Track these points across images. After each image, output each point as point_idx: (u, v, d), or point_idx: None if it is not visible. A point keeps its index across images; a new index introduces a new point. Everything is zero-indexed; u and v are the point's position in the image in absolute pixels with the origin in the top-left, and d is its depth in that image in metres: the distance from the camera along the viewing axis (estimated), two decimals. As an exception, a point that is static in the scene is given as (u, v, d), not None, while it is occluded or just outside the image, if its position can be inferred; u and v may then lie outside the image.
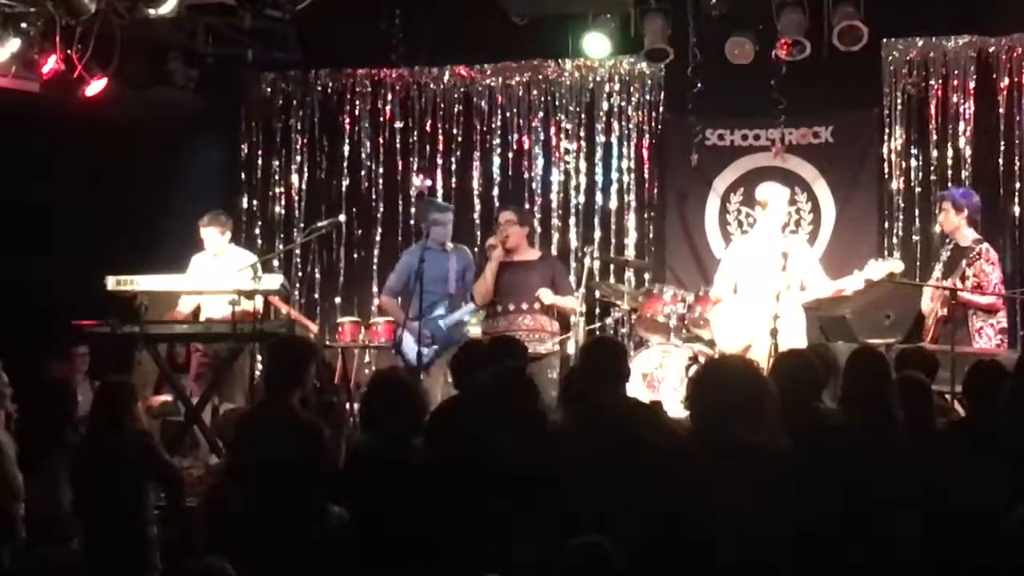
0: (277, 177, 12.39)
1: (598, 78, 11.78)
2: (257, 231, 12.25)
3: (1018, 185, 10.79)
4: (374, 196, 12.21)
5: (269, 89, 12.37)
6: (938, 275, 9.17)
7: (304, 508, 5.70)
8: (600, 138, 11.77)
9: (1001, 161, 10.82)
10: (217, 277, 9.35)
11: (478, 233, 11.66)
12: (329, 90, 12.34)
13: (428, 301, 9.36)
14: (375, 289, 11.94)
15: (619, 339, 10.41)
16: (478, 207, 11.92)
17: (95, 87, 10.02)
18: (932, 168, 10.96)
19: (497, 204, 11.48)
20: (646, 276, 11.24)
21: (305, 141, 12.38)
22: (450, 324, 9.52)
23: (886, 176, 11.08)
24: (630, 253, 11.41)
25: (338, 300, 12.11)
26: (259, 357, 10.74)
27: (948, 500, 5.19)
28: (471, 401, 6.17)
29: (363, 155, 12.22)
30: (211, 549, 5.14)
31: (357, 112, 12.26)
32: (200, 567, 4.53)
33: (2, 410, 6.97)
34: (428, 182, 11.92)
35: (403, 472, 5.61)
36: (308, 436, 5.79)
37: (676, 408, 9.04)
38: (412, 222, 11.98)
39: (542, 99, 11.91)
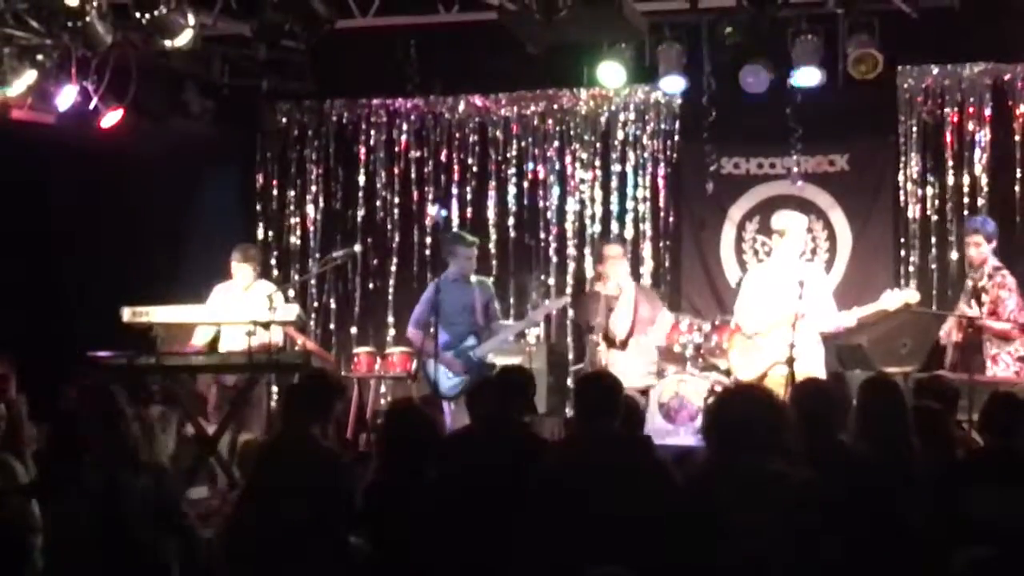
0: (292, 207, 12.41)
1: (613, 107, 11.78)
2: (273, 261, 12.24)
3: (1035, 212, 10.77)
4: (389, 226, 12.22)
5: (284, 119, 12.41)
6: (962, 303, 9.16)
7: (323, 538, 5.68)
8: (615, 167, 11.77)
9: (1017, 188, 10.79)
10: (242, 309, 9.33)
11: (494, 262, 11.65)
12: (344, 120, 12.37)
13: (457, 333, 9.73)
14: (391, 319, 11.96)
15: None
16: (494, 236, 11.90)
17: (111, 118, 10.04)
18: (948, 196, 10.94)
19: (513, 234, 11.50)
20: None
21: (320, 171, 12.41)
22: (481, 355, 9.71)
23: (902, 204, 11.06)
24: (646, 282, 11.38)
25: (354, 330, 12.11)
26: (275, 387, 10.78)
27: (967, 528, 5.16)
28: (482, 431, 6.21)
29: (378, 185, 12.25)
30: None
31: (372, 142, 12.29)
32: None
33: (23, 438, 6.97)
34: (444, 212, 11.93)
35: (419, 502, 5.60)
36: (328, 466, 5.80)
37: (693, 438, 9.05)
38: (428, 252, 12.00)
39: (557, 128, 11.92)
